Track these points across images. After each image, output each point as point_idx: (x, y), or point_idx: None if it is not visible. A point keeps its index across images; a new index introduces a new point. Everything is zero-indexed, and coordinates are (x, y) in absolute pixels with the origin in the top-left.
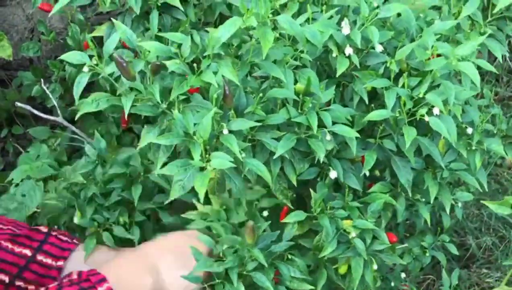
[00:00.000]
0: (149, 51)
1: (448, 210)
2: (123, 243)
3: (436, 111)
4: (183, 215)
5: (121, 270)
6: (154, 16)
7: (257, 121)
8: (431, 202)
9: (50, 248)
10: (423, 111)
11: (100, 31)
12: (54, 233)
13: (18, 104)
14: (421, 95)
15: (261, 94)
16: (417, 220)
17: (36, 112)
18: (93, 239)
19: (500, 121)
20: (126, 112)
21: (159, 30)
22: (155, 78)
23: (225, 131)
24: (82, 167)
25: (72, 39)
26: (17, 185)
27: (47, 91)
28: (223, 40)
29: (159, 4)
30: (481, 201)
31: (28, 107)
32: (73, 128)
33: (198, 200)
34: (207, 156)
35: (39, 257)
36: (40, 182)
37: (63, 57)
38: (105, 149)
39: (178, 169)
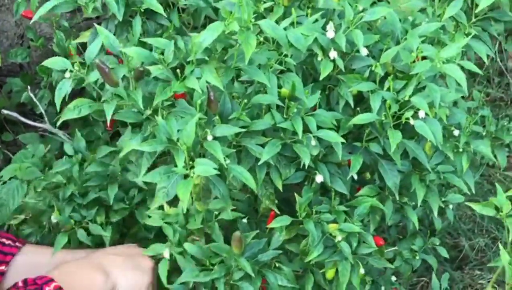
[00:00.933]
0: (132, 57)
1: (435, 213)
2: (98, 243)
3: (421, 114)
4: (147, 212)
5: (70, 271)
6: (137, 22)
7: (242, 127)
8: (419, 205)
9: None
10: (408, 114)
11: (85, 37)
12: None
13: (5, 111)
14: (406, 98)
15: (246, 100)
16: (408, 223)
17: (23, 119)
18: (64, 236)
19: (489, 123)
20: (108, 119)
21: (143, 36)
22: (138, 84)
23: (210, 138)
24: (60, 166)
25: (58, 46)
26: (4, 183)
27: (34, 99)
28: (205, 45)
29: (142, 10)
30: (466, 203)
31: (15, 114)
32: (61, 135)
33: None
34: (191, 163)
35: None
36: (24, 184)
37: (46, 63)
38: (84, 148)
39: (161, 176)
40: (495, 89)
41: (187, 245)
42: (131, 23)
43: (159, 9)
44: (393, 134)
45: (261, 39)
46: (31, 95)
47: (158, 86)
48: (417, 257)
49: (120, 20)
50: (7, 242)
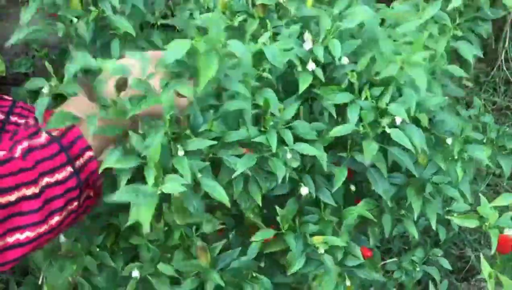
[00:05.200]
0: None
1: (434, 225)
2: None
3: (398, 120)
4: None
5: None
6: (115, 45)
7: (216, 139)
8: (415, 218)
9: (20, 110)
10: (385, 122)
11: None
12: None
13: None
14: (383, 106)
15: (213, 109)
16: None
17: None
18: (72, 264)
19: (490, 130)
20: (91, 133)
21: None
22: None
23: (181, 153)
24: None
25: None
26: None
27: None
28: (167, 63)
29: (121, 33)
30: (447, 217)
31: None
32: None
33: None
34: (161, 179)
35: (13, 119)
36: None
37: (27, 85)
38: None
39: (129, 194)
40: (501, 97)
41: (160, 266)
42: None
43: (130, 29)
44: (368, 145)
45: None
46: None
47: (131, 100)
48: (417, 269)
49: (87, 43)
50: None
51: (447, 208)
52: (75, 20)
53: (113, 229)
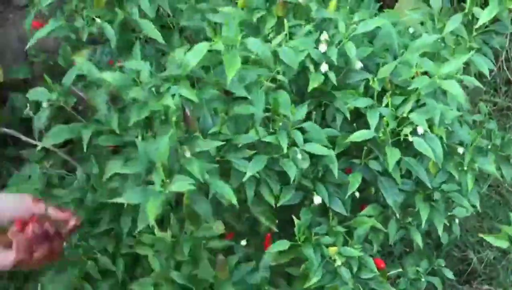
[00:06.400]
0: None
1: (440, 232)
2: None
3: (420, 130)
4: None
5: None
6: (137, 48)
7: (224, 141)
8: (423, 225)
9: None
10: (407, 130)
11: (82, 55)
12: None
13: (4, 129)
14: (405, 115)
15: (223, 114)
16: (412, 241)
17: (22, 136)
18: (75, 269)
19: (495, 137)
20: (85, 144)
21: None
22: (116, 108)
23: (187, 154)
24: (71, 193)
25: (63, 59)
26: None
27: (31, 114)
28: (191, 66)
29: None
30: (480, 235)
31: (13, 132)
32: (60, 153)
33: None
34: (168, 181)
35: None
36: None
37: (29, 95)
38: (96, 175)
39: (138, 195)
40: (502, 98)
41: (174, 274)
42: (130, 47)
43: (158, 36)
44: (391, 151)
45: (253, 56)
46: (30, 113)
47: (133, 106)
48: (422, 279)
49: (113, 46)
50: None
51: (449, 213)
52: (98, 20)
53: (114, 235)
